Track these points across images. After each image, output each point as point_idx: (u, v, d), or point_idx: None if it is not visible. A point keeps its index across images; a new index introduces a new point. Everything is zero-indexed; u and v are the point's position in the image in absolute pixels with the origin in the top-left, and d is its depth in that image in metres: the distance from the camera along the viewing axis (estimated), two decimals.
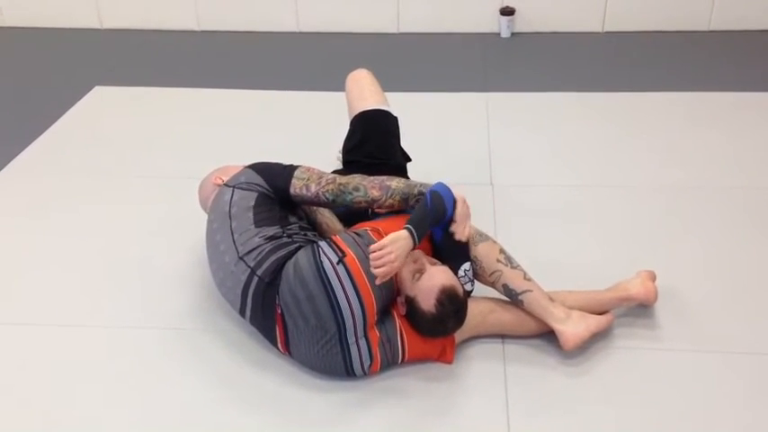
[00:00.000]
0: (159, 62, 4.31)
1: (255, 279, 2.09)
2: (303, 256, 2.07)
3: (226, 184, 2.27)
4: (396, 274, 2.09)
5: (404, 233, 2.02)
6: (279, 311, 2.07)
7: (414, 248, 2.04)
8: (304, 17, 4.60)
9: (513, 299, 2.21)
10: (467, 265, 2.17)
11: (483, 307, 2.20)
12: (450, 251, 2.16)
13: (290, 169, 2.24)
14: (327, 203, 2.21)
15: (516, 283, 2.18)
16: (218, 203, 2.24)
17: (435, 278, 2.02)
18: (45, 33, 4.71)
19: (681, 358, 2.18)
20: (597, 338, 2.22)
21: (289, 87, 3.90)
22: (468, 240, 2.18)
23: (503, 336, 2.24)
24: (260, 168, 2.26)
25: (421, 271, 2.04)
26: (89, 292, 2.50)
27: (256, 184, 2.22)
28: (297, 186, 2.20)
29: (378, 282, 2.00)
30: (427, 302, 2.00)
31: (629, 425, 1.99)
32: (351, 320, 2.01)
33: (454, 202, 2.13)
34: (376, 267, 1.97)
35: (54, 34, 4.69)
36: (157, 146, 3.39)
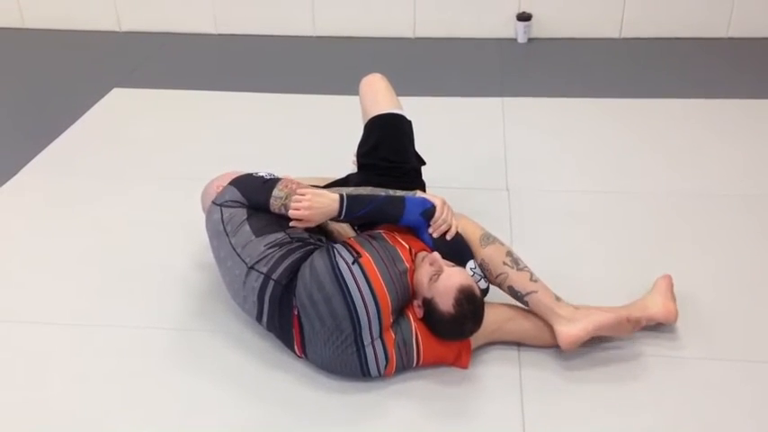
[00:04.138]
0: (177, 65, 4.34)
1: (271, 283, 2.10)
2: (319, 258, 2.09)
3: (213, 202, 2.29)
4: (412, 277, 2.11)
5: (333, 196, 2.12)
6: (295, 313, 2.08)
7: (336, 219, 2.14)
8: (320, 21, 4.62)
9: (519, 300, 2.21)
10: (471, 263, 2.18)
11: (500, 314, 2.19)
12: (448, 251, 2.16)
13: (269, 186, 2.21)
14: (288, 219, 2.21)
15: (522, 284, 2.18)
16: (210, 223, 2.27)
17: (453, 278, 2.02)
18: (64, 35, 4.75)
19: (695, 366, 2.17)
20: (609, 342, 2.22)
21: (304, 91, 3.91)
22: (461, 238, 2.20)
23: (519, 343, 2.24)
24: (240, 186, 2.26)
25: (438, 273, 2.04)
26: (101, 291, 2.52)
27: (240, 202, 2.24)
28: (275, 206, 2.19)
29: (292, 224, 2.11)
30: (445, 303, 2.00)
31: None
32: (366, 321, 2.02)
33: (427, 209, 2.16)
34: (292, 209, 2.10)
35: (73, 36, 4.73)
36: (174, 148, 3.41)
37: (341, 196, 2.11)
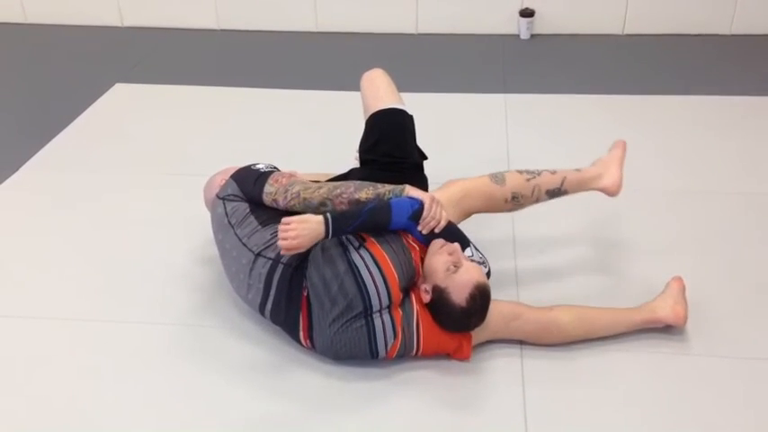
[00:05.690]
0: (179, 60, 4.34)
1: (280, 267, 2.13)
2: (329, 241, 2.13)
3: (217, 196, 2.33)
4: (416, 259, 2.15)
5: (317, 218, 2.09)
6: (305, 294, 2.11)
7: (325, 238, 2.08)
8: (323, 17, 4.61)
9: (559, 195, 2.39)
10: (469, 251, 2.19)
11: (507, 312, 2.19)
12: (446, 241, 2.18)
13: (261, 181, 2.26)
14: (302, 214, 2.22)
15: (552, 182, 2.36)
16: (215, 216, 2.32)
17: (472, 273, 2.06)
18: (66, 30, 4.75)
19: (696, 363, 2.17)
20: (616, 340, 2.22)
21: (306, 87, 3.91)
22: (454, 227, 2.23)
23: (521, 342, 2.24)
24: (238, 180, 2.31)
25: (456, 264, 2.06)
26: (103, 287, 2.52)
27: (240, 196, 2.28)
28: (267, 201, 2.24)
29: (282, 253, 2.08)
30: (459, 296, 2.03)
31: (647, 429, 1.98)
32: (377, 299, 2.06)
33: (415, 211, 2.15)
34: (279, 239, 2.06)
35: (75, 31, 4.73)
36: (177, 143, 3.41)
37: (325, 217, 2.10)
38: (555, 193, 2.38)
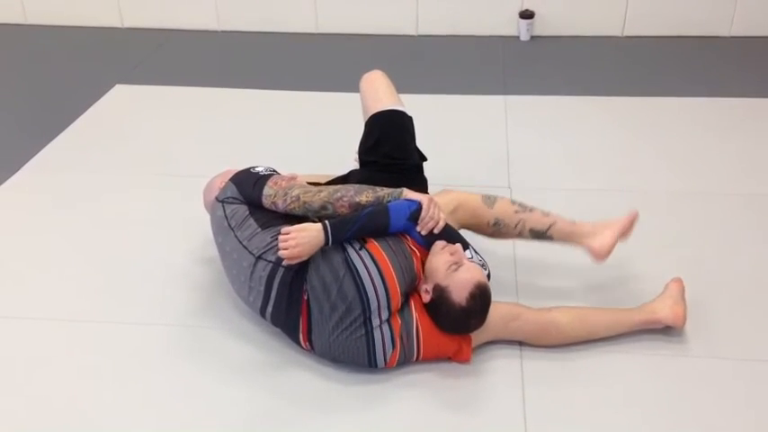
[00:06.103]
0: (179, 62, 4.34)
1: (281, 270, 2.13)
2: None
3: (216, 198, 2.34)
4: (417, 265, 2.14)
5: (316, 226, 2.09)
6: (305, 297, 2.11)
7: (324, 245, 2.08)
8: (323, 18, 4.61)
9: (543, 238, 2.31)
10: (468, 253, 2.20)
11: (505, 313, 2.19)
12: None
13: (261, 184, 2.26)
14: (302, 218, 2.22)
15: (540, 222, 2.29)
16: (215, 219, 2.32)
17: (473, 272, 2.07)
18: (66, 31, 4.75)
19: (695, 364, 2.17)
20: (616, 342, 2.22)
21: (307, 88, 3.91)
22: (453, 230, 2.23)
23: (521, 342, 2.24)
24: (237, 183, 2.32)
25: (458, 263, 2.07)
26: (102, 288, 2.52)
27: (239, 199, 2.28)
28: (266, 204, 2.25)
29: (285, 263, 2.06)
30: (459, 294, 2.03)
31: (646, 429, 1.98)
32: (375, 302, 2.05)
33: (413, 212, 2.15)
34: (280, 249, 2.05)
35: (75, 32, 4.73)
36: (177, 145, 3.42)
37: (324, 224, 2.10)
38: (539, 234, 2.31)
